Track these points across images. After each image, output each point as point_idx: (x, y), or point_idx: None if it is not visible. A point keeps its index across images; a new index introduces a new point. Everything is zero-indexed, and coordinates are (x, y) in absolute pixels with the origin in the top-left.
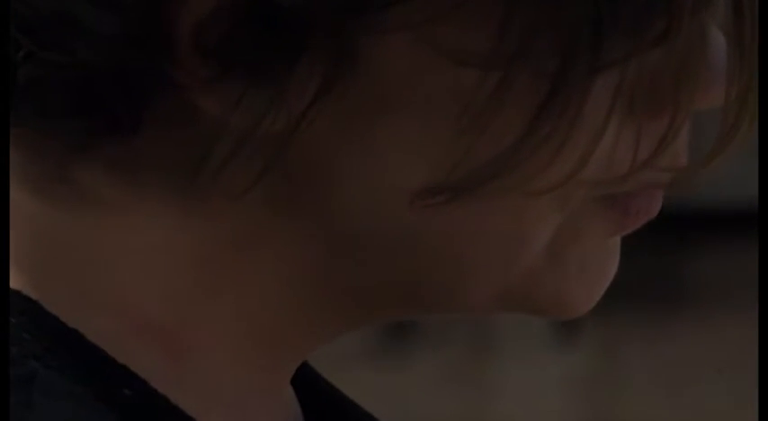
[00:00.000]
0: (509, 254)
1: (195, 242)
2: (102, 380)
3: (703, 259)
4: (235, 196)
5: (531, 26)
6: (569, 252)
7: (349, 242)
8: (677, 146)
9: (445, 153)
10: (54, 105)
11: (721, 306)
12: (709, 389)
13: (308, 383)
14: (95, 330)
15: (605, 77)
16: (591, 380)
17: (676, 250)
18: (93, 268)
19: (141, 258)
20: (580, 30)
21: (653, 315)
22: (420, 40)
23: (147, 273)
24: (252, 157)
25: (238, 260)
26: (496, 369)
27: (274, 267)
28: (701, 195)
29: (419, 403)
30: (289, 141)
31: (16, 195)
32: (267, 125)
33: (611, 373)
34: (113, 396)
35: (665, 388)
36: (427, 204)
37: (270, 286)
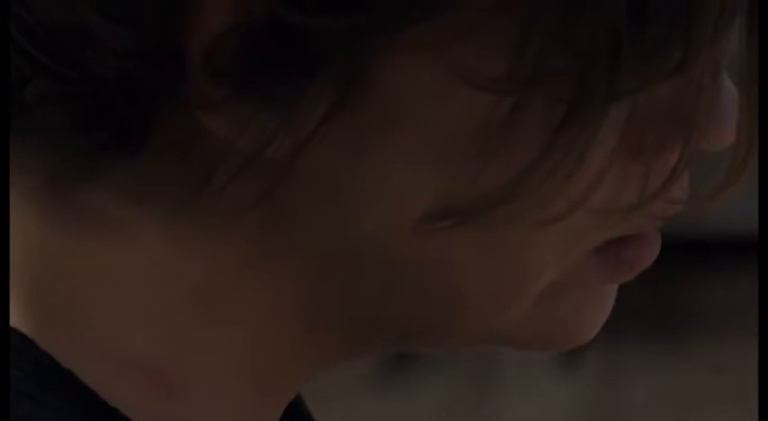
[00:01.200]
0: (504, 299)
1: (193, 272)
2: None
3: (707, 287)
4: (235, 218)
5: (547, 51)
6: (558, 303)
7: (348, 270)
8: (682, 178)
9: (455, 177)
10: (61, 120)
11: (726, 333)
12: (713, 417)
13: (297, 419)
14: (88, 369)
15: (618, 106)
16: (594, 408)
17: (680, 277)
18: (89, 301)
19: (137, 290)
20: (598, 57)
21: (656, 342)
22: (434, 61)
23: (141, 308)
24: (255, 180)
25: (234, 291)
26: (500, 396)
27: (269, 299)
28: (706, 223)
29: None
30: (294, 164)
31: (20, 218)
32: (274, 148)
33: (615, 401)
34: None
35: (668, 415)
36: (433, 229)
37: (264, 319)
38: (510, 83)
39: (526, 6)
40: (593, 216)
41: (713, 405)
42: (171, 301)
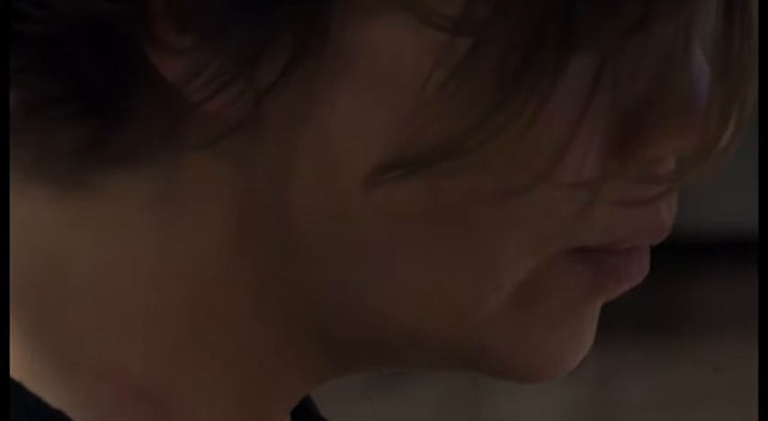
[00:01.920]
0: (473, 291)
1: (178, 270)
2: None
3: (702, 288)
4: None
5: None
6: (535, 308)
7: (306, 254)
8: (657, 167)
9: (405, 124)
10: (38, 92)
11: (721, 335)
12: (711, 418)
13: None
14: (85, 399)
15: (578, 73)
16: (590, 410)
17: (675, 278)
18: (79, 318)
19: (126, 300)
20: (553, 4)
21: (651, 343)
22: (389, 1)
23: (131, 321)
24: (213, 136)
25: (213, 297)
26: (495, 397)
27: (245, 300)
28: (701, 224)
29: None
30: (256, 113)
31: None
32: (231, 100)
33: (611, 402)
34: None
35: (665, 417)
36: (384, 180)
37: (244, 326)
38: (466, 23)
39: None
40: (562, 194)
41: (711, 406)
42: (159, 312)
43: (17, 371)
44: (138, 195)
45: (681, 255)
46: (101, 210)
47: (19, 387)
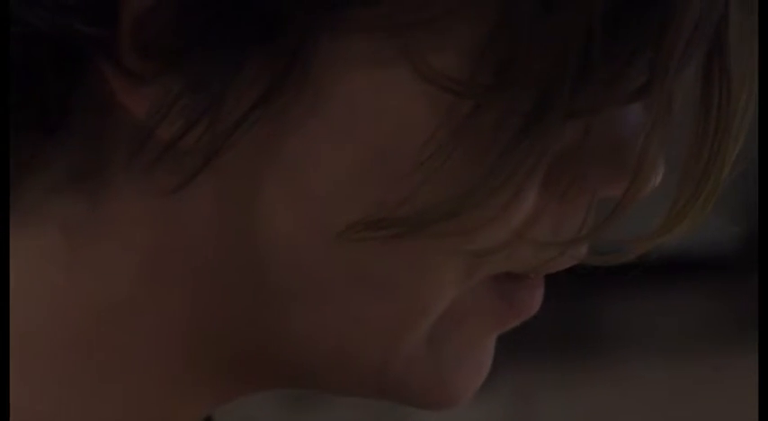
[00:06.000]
0: (402, 318)
1: (83, 305)
2: None
3: (619, 305)
4: (136, 217)
5: (512, 59)
6: (448, 341)
7: (245, 288)
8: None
9: (394, 186)
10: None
11: (638, 352)
12: None
13: None
14: None
15: (571, 128)
16: None
17: (592, 296)
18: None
19: (24, 342)
20: (565, 70)
21: (569, 361)
22: (388, 48)
23: (30, 364)
24: (169, 171)
25: (128, 327)
26: (412, 417)
27: (157, 332)
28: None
29: None
30: (214, 156)
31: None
32: (194, 136)
33: (525, 419)
34: None
35: None
36: (358, 239)
37: (150, 358)
38: (472, 86)
39: (496, 5)
40: (534, 244)
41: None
42: (60, 349)
43: None
44: (58, 222)
45: (600, 273)
46: (21, 241)
47: None
